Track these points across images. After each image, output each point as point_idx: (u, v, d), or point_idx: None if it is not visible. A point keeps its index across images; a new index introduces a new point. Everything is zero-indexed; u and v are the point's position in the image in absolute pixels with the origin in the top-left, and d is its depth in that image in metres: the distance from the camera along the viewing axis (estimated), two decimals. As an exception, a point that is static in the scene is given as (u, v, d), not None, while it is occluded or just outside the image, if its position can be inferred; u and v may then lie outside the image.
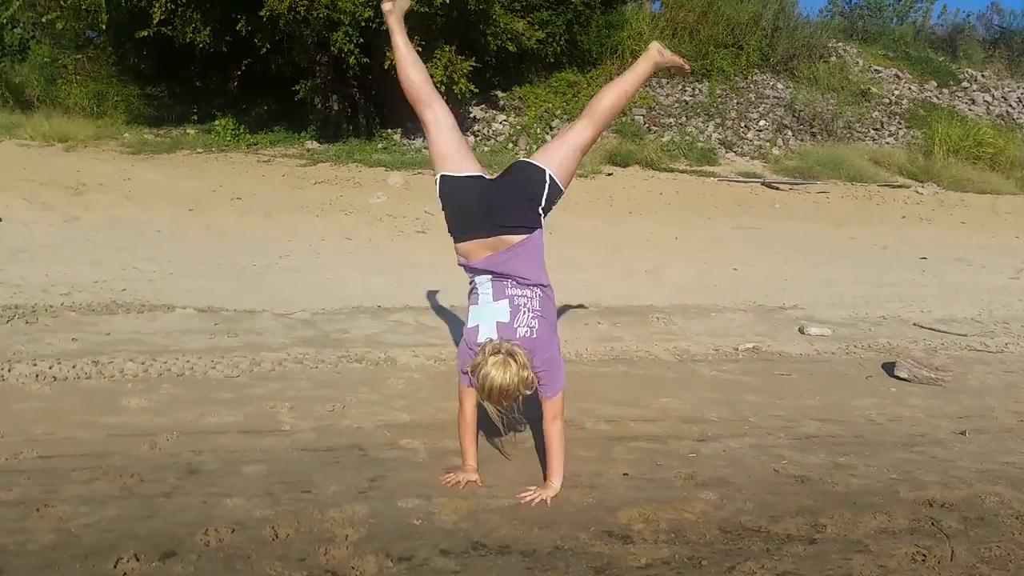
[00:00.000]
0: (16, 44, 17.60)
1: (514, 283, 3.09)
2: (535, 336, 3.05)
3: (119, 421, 3.70)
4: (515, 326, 3.05)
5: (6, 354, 4.39)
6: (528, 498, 3.12)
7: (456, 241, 3.19)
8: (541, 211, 3.15)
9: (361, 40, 12.89)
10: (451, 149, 3.27)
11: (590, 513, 3.10)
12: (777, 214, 11.54)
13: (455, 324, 5.67)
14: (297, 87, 13.96)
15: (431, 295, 6.27)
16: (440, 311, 5.94)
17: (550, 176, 3.15)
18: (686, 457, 3.70)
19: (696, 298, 6.78)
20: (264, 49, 13.34)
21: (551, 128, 15.44)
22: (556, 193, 3.18)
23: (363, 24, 12.68)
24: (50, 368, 4.21)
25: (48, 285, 5.77)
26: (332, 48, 13.13)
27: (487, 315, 3.09)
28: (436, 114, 3.32)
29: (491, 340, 2.98)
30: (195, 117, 16.69)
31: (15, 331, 4.81)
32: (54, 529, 2.75)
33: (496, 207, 3.11)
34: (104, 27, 14.36)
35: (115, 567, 2.53)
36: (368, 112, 14.97)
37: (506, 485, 3.25)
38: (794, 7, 18.60)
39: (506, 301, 3.08)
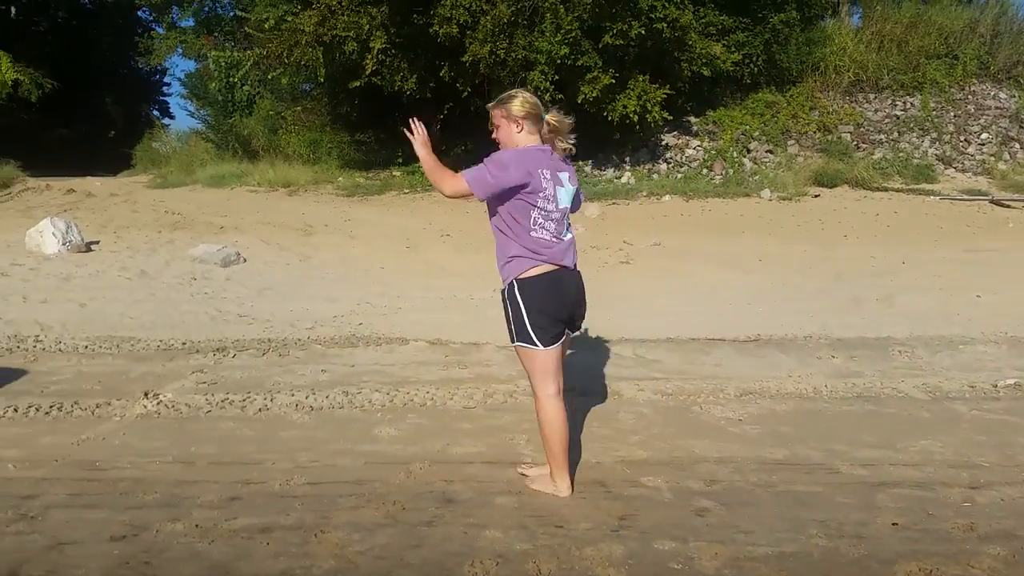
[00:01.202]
0: (244, 100, 19.62)
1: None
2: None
3: (374, 449, 3.89)
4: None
5: (266, 385, 4.78)
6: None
7: None
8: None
9: (556, 77, 13.15)
10: None
11: (863, 565, 2.86)
12: (1012, 234, 10.42)
13: (675, 356, 5.53)
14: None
15: (645, 326, 6.17)
16: (657, 343, 5.83)
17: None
18: (960, 506, 3.34)
19: (938, 328, 6.21)
20: (465, 92, 13.94)
21: (748, 151, 14.95)
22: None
23: (558, 61, 12.93)
24: (306, 398, 4.53)
25: (294, 320, 6.27)
26: (529, 87, 13.49)
27: None
28: None
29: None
30: (400, 160, 17.70)
31: (271, 363, 5.24)
32: (333, 555, 2.90)
33: None
34: (322, 80, 15.61)
35: (395, 595, 2.63)
36: (561, 146, 15.18)
37: (765, 532, 3.08)
38: (1018, 11, 16.95)
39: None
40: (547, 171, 3.26)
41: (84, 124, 37.53)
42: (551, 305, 3.28)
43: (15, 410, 4.25)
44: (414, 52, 14.36)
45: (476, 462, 3.74)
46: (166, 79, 42.73)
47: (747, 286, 8.10)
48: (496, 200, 3.28)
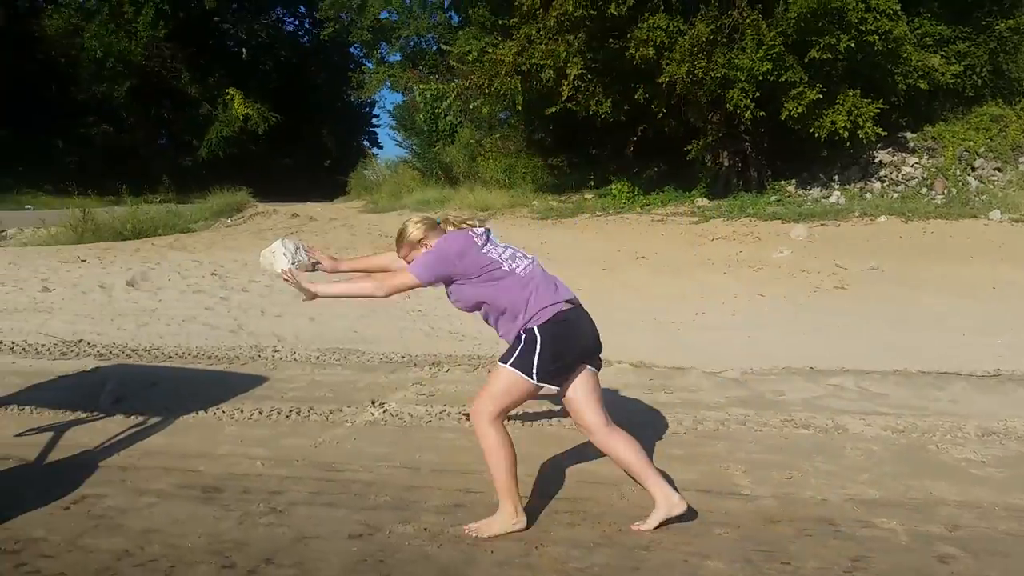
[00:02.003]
0: (447, 130, 20.68)
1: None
2: None
3: (585, 468, 3.92)
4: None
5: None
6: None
7: None
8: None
9: (757, 94, 12.76)
10: None
11: None
12: None
13: (903, 390, 5.14)
14: (689, 147, 14.28)
15: (866, 357, 5.79)
16: (884, 376, 5.44)
17: None
18: None
19: None
20: (660, 114, 13.86)
21: (972, 169, 13.68)
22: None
23: (759, 78, 12.55)
24: (515, 415, 4.64)
25: (497, 339, 6.47)
26: (727, 105, 13.18)
27: None
28: None
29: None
30: (592, 183, 17.87)
31: (480, 378, 5.40)
32: (554, 569, 2.95)
33: None
34: (519, 107, 16.14)
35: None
36: (760, 165, 14.71)
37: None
38: None
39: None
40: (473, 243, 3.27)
41: (304, 154, 41.23)
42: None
43: (260, 413, 4.70)
44: (609, 76, 14.51)
45: (691, 489, 3.66)
46: (375, 111, 46.09)
47: (981, 316, 7.37)
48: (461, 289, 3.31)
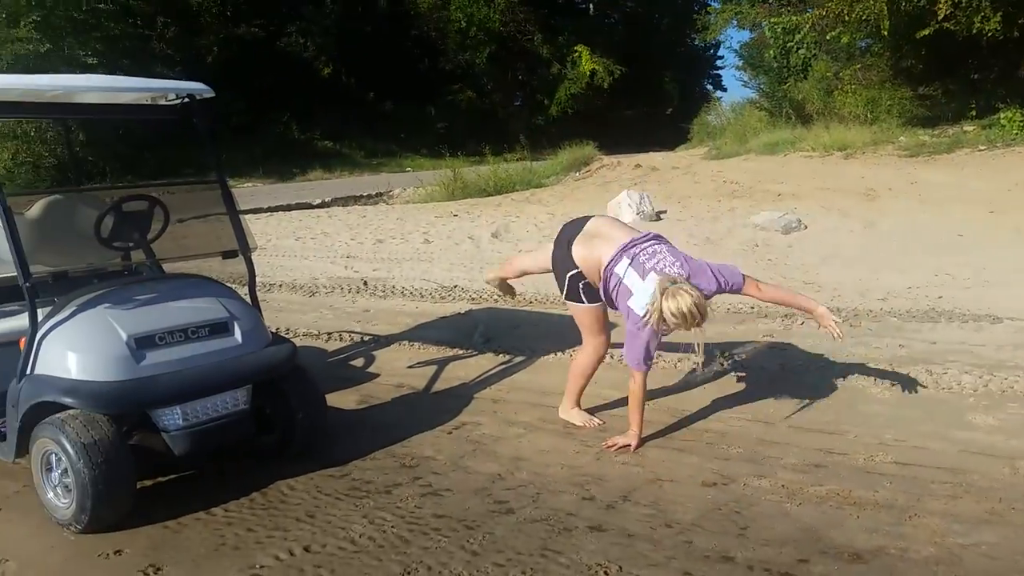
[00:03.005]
0: (799, 65, 19.30)
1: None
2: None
3: (969, 437, 3.49)
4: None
5: (840, 355, 4.63)
6: (611, 445, 3.54)
7: None
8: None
9: None
10: None
11: None
12: None
13: None
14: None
15: None
16: None
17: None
18: None
19: None
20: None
21: None
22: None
23: None
24: (884, 373, 4.26)
25: (864, 290, 5.97)
26: None
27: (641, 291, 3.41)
28: None
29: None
30: (973, 113, 15.60)
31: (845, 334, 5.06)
32: (932, 543, 2.69)
33: None
34: (884, 33, 14.52)
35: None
36: None
37: None
38: None
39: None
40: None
41: (646, 104, 41.43)
42: None
43: (611, 356, 4.86)
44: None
45: None
46: (719, 52, 44.59)
47: None
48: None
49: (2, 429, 3.03)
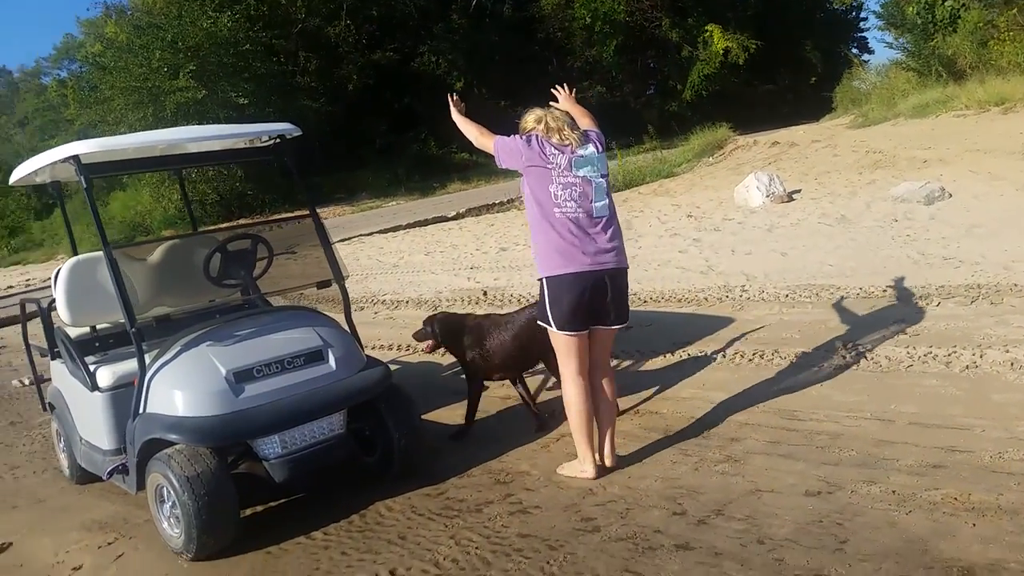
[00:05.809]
0: (947, 17, 17.70)
1: None
2: None
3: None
4: None
5: (975, 338, 4.22)
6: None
7: None
8: None
9: None
10: None
11: None
12: None
13: None
14: None
15: None
16: None
17: None
18: None
19: None
20: None
21: None
22: None
23: None
24: (1025, 357, 3.84)
25: (1009, 262, 5.40)
26: None
27: None
28: None
29: None
30: None
31: (980, 312, 4.61)
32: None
33: None
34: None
35: None
36: None
37: None
38: None
39: None
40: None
41: (786, 76, 39.48)
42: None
43: (723, 355, 4.69)
44: None
45: None
46: (862, 14, 41.78)
47: None
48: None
49: (127, 463, 3.32)
